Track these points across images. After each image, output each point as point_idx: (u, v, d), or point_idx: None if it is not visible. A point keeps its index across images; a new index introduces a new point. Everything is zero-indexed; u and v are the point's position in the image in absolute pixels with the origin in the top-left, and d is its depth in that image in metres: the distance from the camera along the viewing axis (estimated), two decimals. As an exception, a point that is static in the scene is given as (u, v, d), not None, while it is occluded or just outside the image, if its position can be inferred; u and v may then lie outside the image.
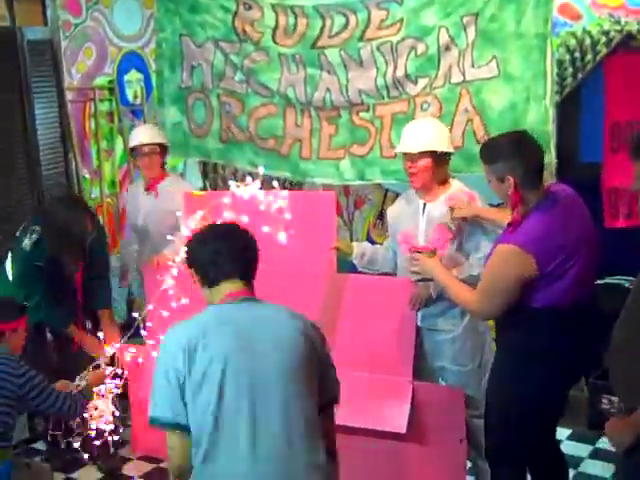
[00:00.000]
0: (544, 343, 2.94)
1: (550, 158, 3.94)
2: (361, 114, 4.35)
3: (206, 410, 2.15)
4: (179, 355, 2.19)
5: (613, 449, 2.57)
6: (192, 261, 2.48)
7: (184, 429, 2.18)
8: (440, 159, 3.61)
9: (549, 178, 4.88)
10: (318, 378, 2.30)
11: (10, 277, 4.16)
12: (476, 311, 3.15)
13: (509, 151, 3.00)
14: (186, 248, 2.53)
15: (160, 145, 4.66)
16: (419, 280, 3.49)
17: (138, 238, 4.75)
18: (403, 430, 3.49)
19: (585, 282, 2.98)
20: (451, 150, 3.68)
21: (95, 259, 4.29)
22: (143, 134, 4.69)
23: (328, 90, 4.38)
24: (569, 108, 4.70)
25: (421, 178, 3.61)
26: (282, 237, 3.70)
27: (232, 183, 3.84)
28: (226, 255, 2.40)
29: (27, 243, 4.06)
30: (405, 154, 3.65)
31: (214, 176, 5.79)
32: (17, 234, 4.21)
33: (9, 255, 4.22)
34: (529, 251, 2.87)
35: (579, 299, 2.95)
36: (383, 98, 4.26)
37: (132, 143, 4.69)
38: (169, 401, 2.19)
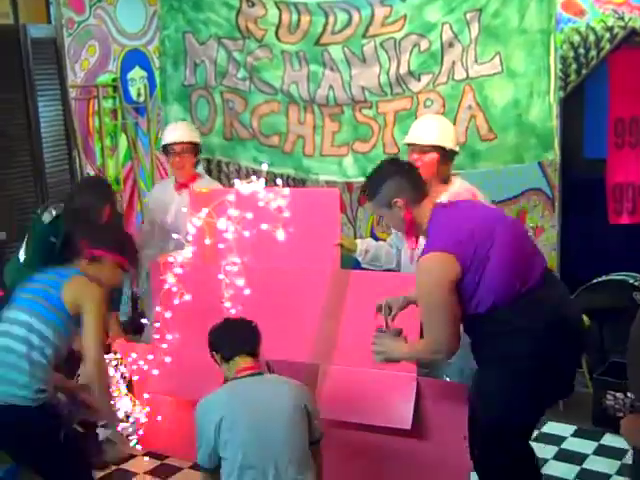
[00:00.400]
0: (495, 347, 2.88)
1: (554, 154, 3.94)
2: (364, 111, 4.35)
3: (233, 461, 2.92)
4: (211, 429, 2.92)
5: (628, 446, 2.55)
6: (214, 347, 3.14)
7: (213, 471, 3.00)
8: (446, 156, 3.61)
9: (553, 174, 4.90)
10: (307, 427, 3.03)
11: (22, 258, 4.04)
12: (439, 349, 2.88)
13: (388, 172, 2.97)
14: (209, 338, 3.16)
15: (192, 144, 4.49)
16: (385, 360, 3.11)
17: (161, 235, 4.53)
18: (408, 426, 3.48)
19: (521, 275, 2.85)
20: (456, 149, 3.68)
21: None
22: (174, 132, 4.50)
23: (331, 87, 4.38)
24: (573, 104, 4.69)
25: (424, 172, 3.60)
26: (280, 235, 3.71)
27: (237, 181, 3.85)
28: (238, 339, 3.11)
29: (47, 217, 3.95)
30: (412, 146, 3.64)
31: (218, 173, 5.79)
32: (38, 211, 4.09)
33: (25, 237, 4.10)
34: (448, 250, 2.78)
35: (518, 295, 2.83)
36: (386, 95, 4.26)
37: (164, 141, 4.51)
38: (207, 455, 2.97)
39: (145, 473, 4.19)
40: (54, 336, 3.09)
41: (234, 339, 3.14)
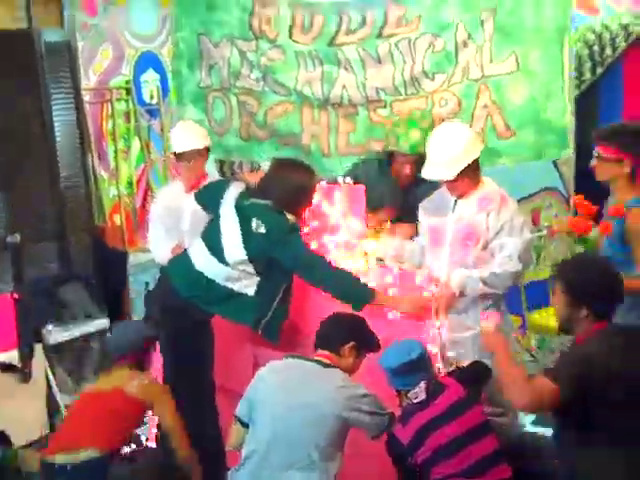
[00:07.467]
0: None
1: (569, 152, 3.93)
2: (378, 111, 4.35)
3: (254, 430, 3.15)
4: (250, 393, 3.19)
5: None
6: None
7: (242, 425, 3.20)
8: (464, 171, 3.38)
9: (567, 172, 4.89)
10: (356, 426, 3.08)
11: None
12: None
13: None
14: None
15: (204, 148, 4.33)
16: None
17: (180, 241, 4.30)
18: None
19: None
20: (477, 154, 3.42)
21: None
22: (185, 139, 4.31)
23: (345, 87, 4.38)
24: (588, 103, 4.68)
25: (459, 190, 3.48)
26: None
27: None
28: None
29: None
30: None
31: (231, 175, 5.79)
32: None
33: None
34: None
35: None
36: (401, 95, 4.26)
37: (176, 147, 4.32)
38: (243, 410, 3.19)
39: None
40: None
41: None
